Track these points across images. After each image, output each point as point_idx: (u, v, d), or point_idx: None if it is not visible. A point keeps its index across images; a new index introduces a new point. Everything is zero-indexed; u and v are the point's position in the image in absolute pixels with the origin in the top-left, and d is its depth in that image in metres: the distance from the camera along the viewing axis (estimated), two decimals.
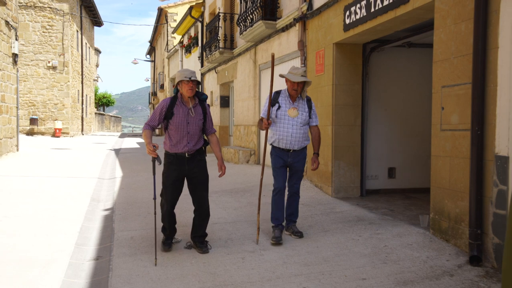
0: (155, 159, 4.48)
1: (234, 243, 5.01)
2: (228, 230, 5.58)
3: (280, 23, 9.91)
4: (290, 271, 4.15)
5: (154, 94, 39.26)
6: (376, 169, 7.95)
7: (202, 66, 18.62)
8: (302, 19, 8.70)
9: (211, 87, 17.57)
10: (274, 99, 5.15)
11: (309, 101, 5.25)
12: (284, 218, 5.29)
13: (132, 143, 23.44)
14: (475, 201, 4.27)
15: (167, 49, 29.81)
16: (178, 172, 4.63)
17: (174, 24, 26.93)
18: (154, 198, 4.60)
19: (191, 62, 21.61)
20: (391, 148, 7.99)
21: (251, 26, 10.87)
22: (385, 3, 5.84)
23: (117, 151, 17.53)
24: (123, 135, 34.10)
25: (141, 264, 4.35)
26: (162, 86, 33.39)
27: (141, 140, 26.75)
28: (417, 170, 7.87)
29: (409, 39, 6.92)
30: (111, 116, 48.96)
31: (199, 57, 19.06)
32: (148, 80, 47.02)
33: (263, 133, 8.32)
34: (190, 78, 4.43)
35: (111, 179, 10.15)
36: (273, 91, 5.10)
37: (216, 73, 16.55)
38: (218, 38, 14.62)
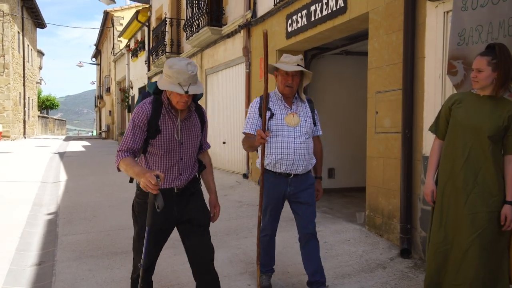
0: (155, 198, 2.41)
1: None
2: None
3: (226, 30, 9.94)
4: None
5: (100, 97, 38.05)
6: None
7: (148, 70, 18.30)
8: (247, 26, 8.78)
9: None
10: (262, 106, 3.31)
11: (310, 102, 3.60)
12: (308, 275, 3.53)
13: (78, 146, 22.58)
14: (405, 198, 4.48)
15: (114, 52, 29.03)
16: (161, 218, 2.60)
17: (120, 28, 26.25)
18: (141, 265, 2.60)
19: (138, 66, 21.18)
20: (330, 150, 8.16)
21: (197, 31, 10.82)
22: (324, 13, 6.01)
23: (62, 155, 16.83)
24: (68, 138, 32.74)
25: (86, 267, 4.21)
26: (108, 89, 32.44)
27: (87, 143, 25.81)
28: (354, 170, 8.11)
29: (346, 47, 7.16)
30: (56, 119, 46.90)
31: (145, 61, 18.71)
32: (94, 83, 45.52)
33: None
34: (187, 92, 2.48)
35: (55, 183, 9.74)
36: (257, 97, 3.60)
37: None
38: (165, 42, 14.44)
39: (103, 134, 34.33)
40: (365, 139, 5.43)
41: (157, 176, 2.31)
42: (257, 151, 3.54)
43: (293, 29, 6.95)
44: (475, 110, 2.77)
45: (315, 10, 6.23)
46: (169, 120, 2.65)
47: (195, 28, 11.11)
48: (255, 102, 3.51)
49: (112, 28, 29.48)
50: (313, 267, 3.45)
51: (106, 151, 19.02)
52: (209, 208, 2.94)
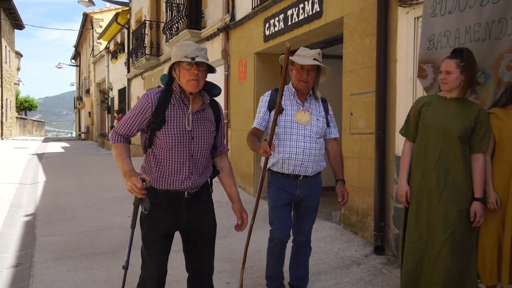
0: (141, 201, 2.23)
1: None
2: None
3: (205, 33, 9.91)
4: None
5: (79, 98, 37.41)
6: None
7: (128, 72, 18.09)
8: (226, 29, 8.77)
9: (138, 92, 17.11)
10: (272, 99, 3.14)
11: (325, 102, 3.29)
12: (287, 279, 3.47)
13: (56, 147, 22.13)
14: (379, 197, 4.55)
15: (93, 54, 28.59)
16: (169, 222, 2.44)
17: (100, 30, 25.89)
18: (125, 267, 2.45)
19: (118, 68, 20.91)
20: None
21: (177, 34, 10.76)
22: (301, 17, 6.06)
23: (40, 156, 16.48)
24: (46, 140, 32.07)
25: (65, 268, 4.14)
26: (88, 91, 31.92)
27: (66, 144, 25.33)
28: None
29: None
30: (34, 120, 45.86)
31: (125, 63, 18.49)
32: (73, 84, 44.73)
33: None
34: (193, 58, 2.25)
35: (33, 184, 9.53)
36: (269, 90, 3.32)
37: (142, 78, 16.16)
38: (145, 45, 14.31)
39: (83, 136, 33.78)
40: (340, 139, 5.49)
41: (143, 180, 2.15)
42: None
43: (270, 32, 6.97)
44: (443, 112, 2.84)
45: (292, 15, 6.27)
46: (179, 110, 2.37)
47: (175, 31, 11.04)
48: (266, 95, 3.22)
49: (91, 30, 29.04)
50: (300, 273, 3.39)
51: (85, 152, 18.72)
52: (236, 215, 2.66)
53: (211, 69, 2.39)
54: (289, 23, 6.36)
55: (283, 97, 3.05)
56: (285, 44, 2.60)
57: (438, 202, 2.80)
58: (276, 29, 6.76)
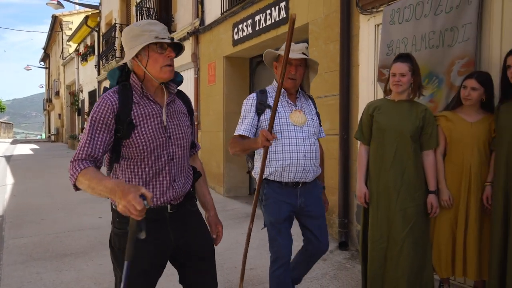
0: (139, 225, 1.58)
1: None
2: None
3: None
4: None
5: (49, 100, 36.31)
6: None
7: (99, 74, 17.71)
8: (195, 34, 8.73)
9: None
10: (260, 102, 2.68)
11: (312, 99, 2.96)
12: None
13: (25, 149, 21.43)
14: (343, 195, 4.64)
15: (63, 56, 27.81)
16: (154, 249, 1.88)
17: (69, 32, 25.20)
18: None
19: (88, 70, 20.43)
20: None
21: None
22: (268, 23, 6.10)
23: (8, 158, 15.92)
24: (15, 142, 31.02)
25: (34, 270, 4.02)
26: (57, 93, 31.03)
27: (35, 146, 24.53)
28: None
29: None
30: (2, 122, 44.26)
31: (95, 65, 18.09)
32: (42, 86, 43.37)
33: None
34: (165, 39, 1.81)
35: (1, 187, 9.20)
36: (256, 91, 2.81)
37: None
38: (115, 47, 14.05)
39: (53, 137, 32.81)
40: None
41: (143, 196, 1.47)
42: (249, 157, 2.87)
43: (239, 37, 6.99)
44: (395, 114, 2.93)
45: (260, 20, 6.31)
46: (146, 108, 1.84)
47: None
48: (251, 98, 2.69)
49: (61, 32, 28.25)
50: (302, 274, 3.08)
51: (55, 154, 18.20)
52: (210, 228, 2.17)
53: (179, 51, 1.92)
54: (257, 28, 6.39)
55: (271, 99, 2.66)
56: (290, 17, 2.05)
57: (397, 200, 2.88)
58: (245, 34, 6.78)
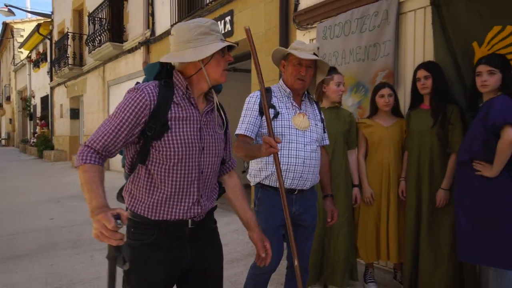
0: (118, 252, 1.26)
1: (83, 244, 4.63)
2: (77, 231, 5.14)
3: (127, 46, 9.56)
4: None
5: None
6: None
7: (51, 80, 16.81)
8: (146, 43, 8.54)
9: (61, 100, 15.98)
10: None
11: (317, 104, 2.54)
12: None
13: None
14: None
15: (14, 62, 26.10)
16: (170, 269, 1.56)
17: (21, 39, 23.69)
18: None
19: (40, 76, 19.32)
20: None
21: (99, 46, 10.25)
22: None
23: None
24: None
25: None
26: (8, 98, 29.03)
27: None
28: (241, 169, 8.28)
29: (234, 65, 7.32)
30: None
31: (48, 72, 17.16)
32: None
33: None
34: (230, 42, 1.57)
35: None
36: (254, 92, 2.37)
37: (66, 87, 15.11)
38: (67, 55, 13.41)
39: (3, 142, 30.64)
40: None
41: (117, 217, 1.22)
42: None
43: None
44: (331, 118, 3.04)
45: None
46: (186, 111, 1.53)
47: (97, 43, 10.50)
48: (255, 97, 2.31)
49: (12, 39, 26.50)
50: None
51: (6, 158, 17.01)
52: (255, 247, 1.85)
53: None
54: None
55: (276, 98, 2.31)
56: (245, 29, 1.77)
57: (338, 193, 2.98)
58: None
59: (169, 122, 1.49)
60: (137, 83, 1.55)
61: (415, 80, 2.90)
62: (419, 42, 3.31)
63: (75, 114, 14.89)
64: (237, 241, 4.65)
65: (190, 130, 1.53)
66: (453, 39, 2.96)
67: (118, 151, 1.48)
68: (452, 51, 2.96)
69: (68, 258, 4.10)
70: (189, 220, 1.56)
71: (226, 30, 5.80)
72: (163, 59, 1.52)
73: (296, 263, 1.81)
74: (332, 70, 2.99)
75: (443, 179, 2.75)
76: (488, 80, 2.40)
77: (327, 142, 2.50)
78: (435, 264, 2.78)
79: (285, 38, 4.64)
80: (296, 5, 4.54)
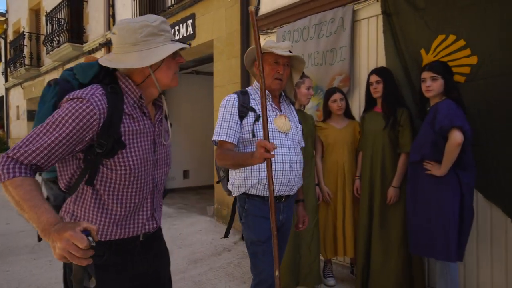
0: (86, 271, 1.07)
1: (41, 248, 4.42)
2: (35, 236, 4.90)
3: (87, 47, 9.24)
4: None
5: None
6: (174, 172, 8.06)
7: (6, 81, 15.92)
8: (107, 45, 8.28)
9: (17, 101, 15.17)
10: (242, 104, 2.07)
11: (294, 104, 2.39)
12: None
13: None
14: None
15: None
16: (126, 285, 1.40)
17: None
18: None
19: None
20: (185, 154, 8.20)
21: (58, 47, 9.82)
22: (176, 38, 6.00)
23: None
24: None
25: None
26: None
27: None
28: (205, 171, 8.23)
29: (196, 68, 7.27)
30: None
31: (2, 72, 16.24)
32: None
33: None
34: (183, 44, 1.38)
35: None
36: (232, 95, 2.12)
37: (22, 88, 14.37)
38: (24, 55, 12.75)
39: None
40: (211, 145, 5.53)
41: (87, 233, 1.03)
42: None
43: None
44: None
45: None
46: (139, 123, 1.34)
47: (56, 44, 10.07)
48: (232, 100, 2.07)
49: None
50: None
51: None
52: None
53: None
54: None
55: (254, 101, 2.10)
56: (250, 10, 1.61)
57: (307, 195, 3.00)
58: None
59: (123, 138, 1.28)
60: (53, 80, 1.33)
61: (368, 84, 3.01)
62: (372, 48, 3.43)
63: (32, 116, 14.19)
64: (201, 242, 4.62)
65: (145, 144, 1.35)
66: (403, 46, 3.08)
67: (49, 168, 1.21)
68: (402, 58, 3.09)
69: (25, 263, 3.90)
70: (141, 235, 1.41)
71: (188, 33, 5.74)
72: (102, 62, 1.30)
73: (277, 273, 1.66)
74: (302, 74, 3.06)
75: (393, 177, 2.86)
76: (431, 86, 2.53)
77: (303, 144, 2.31)
78: (386, 257, 2.89)
79: (246, 42, 4.66)
80: (257, 10, 4.56)
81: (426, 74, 2.56)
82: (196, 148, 8.25)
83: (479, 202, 2.74)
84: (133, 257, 1.39)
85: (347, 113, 3.26)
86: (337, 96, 3.16)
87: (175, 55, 1.36)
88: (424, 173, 2.53)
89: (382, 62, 3.28)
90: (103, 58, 1.32)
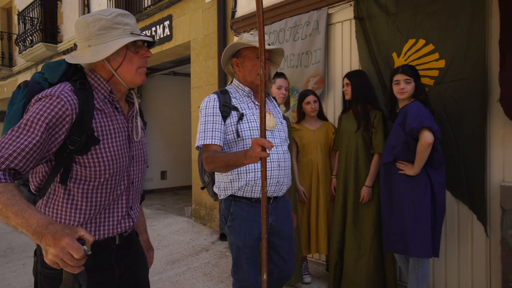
0: (76, 279, 0.99)
1: (14, 252, 4.26)
2: (8, 239, 4.72)
3: (61, 47, 8.97)
4: None
5: None
6: (152, 173, 7.94)
7: None
8: None
9: None
10: (224, 104, 1.93)
11: (276, 101, 2.28)
12: None
13: None
14: None
15: None
16: None
17: None
18: None
19: None
20: (162, 155, 8.09)
21: (31, 46, 9.50)
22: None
23: None
24: None
25: None
26: None
27: None
28: (182, 172, 8.15)
29: (173, 69, 7.18)
30: None
31: None
32: None
33: None
34: (145, 36, 1.31)
35: None
36: (214, 94, 1.98)
37: None
38: None
39: None
40: (188, 146, 5.50)
41: (82, 241, 0.97)
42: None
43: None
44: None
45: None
46: (111, 118, 1.29)
47: (29, 43, 9.74)
48: (213, 100, 1.93)
49: None
50: None
51: None
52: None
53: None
54: None
55: (235, 99, 1.97)
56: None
57: (290, 194, 3.01)
58: None
59: (96, 133, 1.22)
60: (23, 83, 1.26)
61: (343, 86, 3.05)
62: (346, 51, 3.47)
63: (3, 117, 13.69)
64: (178, 242, 4.56)
65: (119, 140, 1.29)
66: (375, 50, 3.14)
67: (27, 174, 1.14)
68: (375, 60, 3.14)
69: None
70: (117, 236, 1.33)
71: (165, 35, 5.66)
72: (67, 59, 1.27)
73: (264, 277, 1.56)
74: (278, 75, 3.06)
75: (367, 177, 2.91)
76: (405, 88, 2.58)
77: (288, 141, 2.15)
78: (358, 254, 2.93)
79: (223, 44, 4.63)
80: (234, 13, 4.55)
81: (400, 77, 2.60)
82: (174, 149, 8.16)
83: (448, 200, 2.81)
84: (108, 262, 1.32)
85: (321, 115, 3.30)
86: (310, 98, 3.19)
87: (137, 49, 1.29)
88: (397, 173, 2.58)
89: (356, 65, 3.33)
90: (69, 55, 1.28)
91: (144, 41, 1.31)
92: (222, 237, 4.60)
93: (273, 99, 2.16)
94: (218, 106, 1.92)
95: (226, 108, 1.92)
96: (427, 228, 2.50)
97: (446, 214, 2.81)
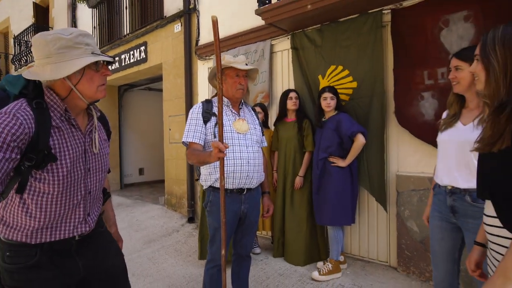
0: None
1: None
2: None
3: None
4: None
5: None
6: (131, 169, 7.58)
7: None
8: None
9: None
10: (206, 110, 1.92)
11: (254, 110, 2.17)
12: None
13: None
14: (189, 184, 4.57)
15: None
16: (59, 283, 1.10)
17: None
18: None
19: None
20: (140, 155, 7.76)
21: (26, 65, 8.72)
22: (132, 61, 5.65)
23: None
24: None
25: None
26: None
27: None
28: (157, 168, 7.86)
29: (149, 85, 6.90)
30: None
31: None
32: None
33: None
34: (105, 56, 1.12)
35: None
36: (198, 104, 1.98)
37: None
38: None
39: None
40: (162, 148, 5.31)
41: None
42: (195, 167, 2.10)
43: (110, 69, 6.27)
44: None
45: (125, 58, 5.80)
46: (68, 135, 1.10)
47: (24, 63, 8.93)
48: (197, 107, 1.95)
49: None
50: (241, 285, 2.13)
51: None
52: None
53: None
54: (123, 64, 5.85)
55: (216, 108, 1.93)
56: (212, 19, 1.33)
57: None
58: (113, 68, 6.14)
59: (53, 151, 1.04)
60: None
61: (284, 100, 3.03)
62: (285, 73, 3.51)
63: None
64: (154, 226, 4.37)
65: (74, 155, 1.10)
66: (306, 72, 3.20)
67: (1, 187, 0.99)
68: (307, 81, 3.20)
69: None
70: (76, 235, 1.16)
71: (141, 57, 5.42)
72: (25, 74, 1.06)
73: (223, 252, 1.60)
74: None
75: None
76: (331, 103, 2.67)
77: (265, 144, 2.13)
78: (297, 229, 2.96)
79: (188, 66, 4.52)
80: (197, 41, 4.46)
81: (327, 95, 2.68)
82: (150, 150, 7.85)
83: None
84: (69, 256, 1.14)
85: (265, 123, 3.28)
86: (257, 109, 3.17)
87: (98, 67, 1.11)
88: (330, 165, 2.67)
89: (292, 84, 3.38)
90: (27, 71, 1.07)
91: (104, 61, 1.13)
92: (190, 220, 4.49)
93: (251, 109, 2.11)
94: (201, 112, 1.91)
95: (207, 114, 1.91)
96: (348, 203, 2.60)
97: (359, 195, 2.92)
